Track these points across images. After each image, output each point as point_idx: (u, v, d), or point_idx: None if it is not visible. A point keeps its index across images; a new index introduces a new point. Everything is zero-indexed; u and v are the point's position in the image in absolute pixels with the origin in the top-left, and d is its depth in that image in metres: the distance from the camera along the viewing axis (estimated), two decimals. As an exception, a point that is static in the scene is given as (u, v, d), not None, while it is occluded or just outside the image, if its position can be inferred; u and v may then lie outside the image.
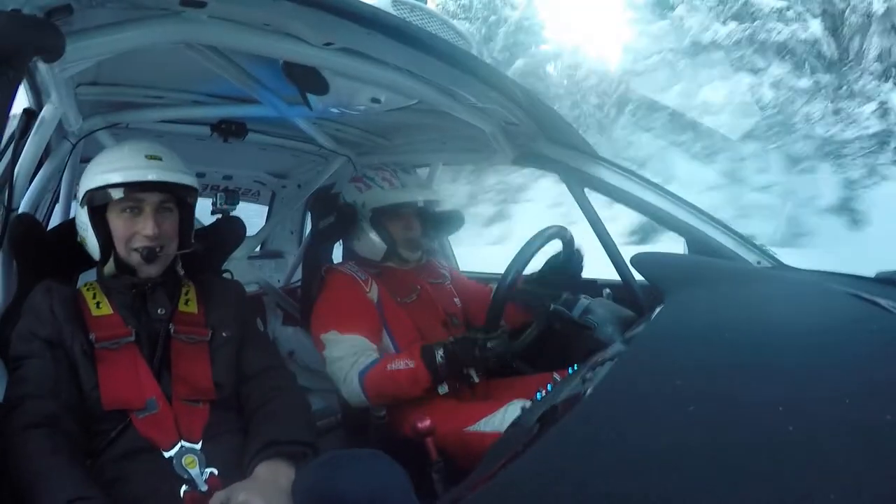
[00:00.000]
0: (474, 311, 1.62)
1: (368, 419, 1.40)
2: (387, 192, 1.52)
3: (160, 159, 1.09)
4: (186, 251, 1.16)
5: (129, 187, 1.05)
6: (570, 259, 1.45)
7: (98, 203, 1.06)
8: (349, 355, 1.36)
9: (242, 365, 1.12)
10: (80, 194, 1.09)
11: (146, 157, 1.08)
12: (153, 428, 0.96)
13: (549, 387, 0.95)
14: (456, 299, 1.64)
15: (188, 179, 1.11)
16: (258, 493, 0.85)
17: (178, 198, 1.12)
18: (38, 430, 0.88)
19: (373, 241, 1.53)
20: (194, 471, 0.94)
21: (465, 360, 1.26)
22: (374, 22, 0.96)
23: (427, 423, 1.14)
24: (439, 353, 1.27)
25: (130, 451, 0.94)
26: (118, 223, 1.07)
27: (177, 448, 0.96)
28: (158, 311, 1.08)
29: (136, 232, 1.06)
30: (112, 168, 1.06)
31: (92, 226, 1.08)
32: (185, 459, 0.95)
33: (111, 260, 1.09)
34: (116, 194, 1.05)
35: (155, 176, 1.06)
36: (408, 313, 1.50)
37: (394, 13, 1.09)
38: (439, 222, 1.66)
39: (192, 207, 1.17)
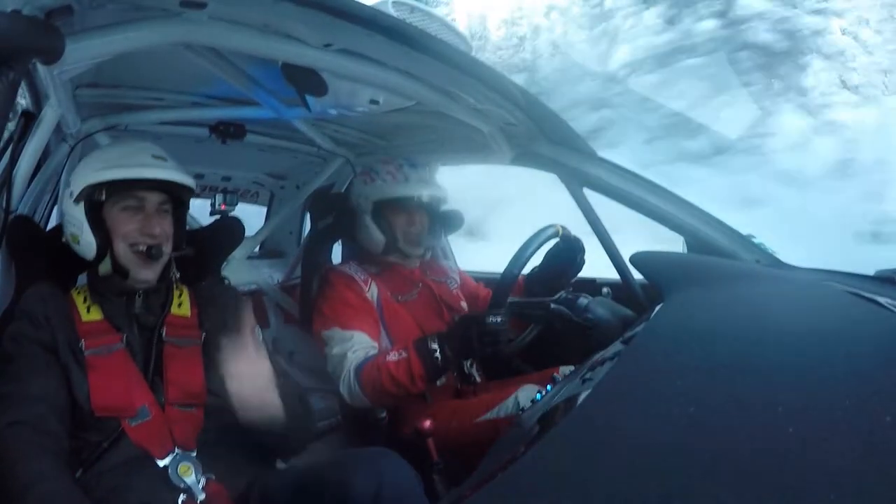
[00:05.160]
0: None
1: (369, 420, 1.40)
2: (389, 185, 1.52)
3: (165, 160, 1.09)
4: (178, 254, 1.14)
5: (135, 185, 1.04)
6: (571, 249, 1.45)
7: (98, 199, 1.04)
8: (349, 351, 1.36)
9: None
10: (77, 189, 1.05)
11: (153, 156, 1.07)
12: (146, 435, 0.95)
13: (548, 387, 0.96)
14: (463, 303, 1.64)
15: (190, 181, 1.11)
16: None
17: (176, 199, 1.11)
18: (23, 427, 0.86)
19: (373, 234, 1.52)
20: (190, 479, 0.93)
21: (467, 343, 1.23)
22: (374, 23, 0.97)
23: (428, 423, 1.14)
24: (434, 343, 1.25)
25: (124, 462, 0.92)
26: (119, 220, 1.04)
27: (171, 456, 0.94)
28: (148, 318, 1.06)
29: (139, 230, 1.04)
30: (119, 164, 1.04)
31: (89, 223, 1.04)
32: (181, 468, 0.93)
33: (107, 259, 1.06)
34: (120, 191, 1.03)
35: (166, 175, 1.05)
36: (408, 311, 1.49)
37: (394, 14, 1.09)
38: (441, 221, 1.66)
39: (185, 210, 1.16)
